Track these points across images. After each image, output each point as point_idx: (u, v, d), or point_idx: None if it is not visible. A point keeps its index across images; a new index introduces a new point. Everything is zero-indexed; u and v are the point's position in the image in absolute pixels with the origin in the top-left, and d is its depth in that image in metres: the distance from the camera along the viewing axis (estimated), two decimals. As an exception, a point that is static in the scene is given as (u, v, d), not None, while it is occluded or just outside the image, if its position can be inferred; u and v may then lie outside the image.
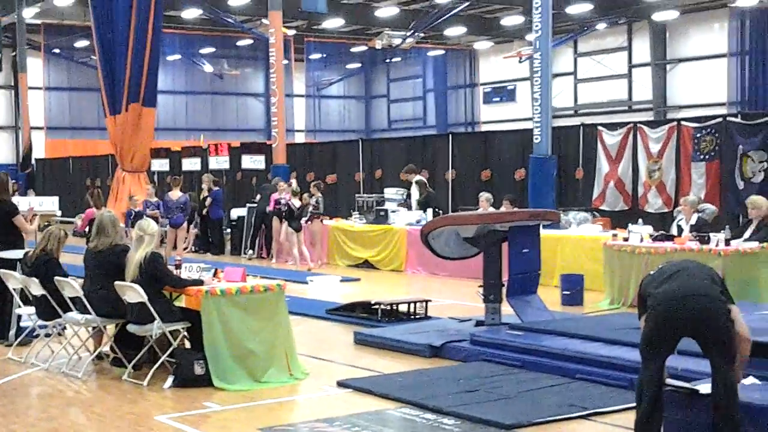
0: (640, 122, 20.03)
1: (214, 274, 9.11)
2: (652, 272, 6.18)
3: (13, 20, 34.16)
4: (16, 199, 28.58)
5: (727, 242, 12.10)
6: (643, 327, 6.01)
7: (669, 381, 5.98)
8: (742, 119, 18.19)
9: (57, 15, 35.11)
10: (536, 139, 18.25)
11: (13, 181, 17.59)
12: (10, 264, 10.62)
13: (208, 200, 21.77)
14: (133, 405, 8.00)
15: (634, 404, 7.54)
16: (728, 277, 11.74)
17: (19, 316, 10.68)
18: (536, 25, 18.06)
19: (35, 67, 38.32)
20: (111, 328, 9.43)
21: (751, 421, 6.10)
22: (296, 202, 18.68)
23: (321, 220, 19.14)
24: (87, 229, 14.96)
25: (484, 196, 16.90)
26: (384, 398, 8.03)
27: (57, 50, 39.91)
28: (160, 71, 26.21)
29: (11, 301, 10.60)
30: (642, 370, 6.06)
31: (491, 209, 16.47)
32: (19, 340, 10.51)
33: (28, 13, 33.98)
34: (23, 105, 35.84)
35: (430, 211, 18.22)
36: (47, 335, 9.95)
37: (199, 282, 8.76)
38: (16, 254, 10.67)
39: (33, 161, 36.08)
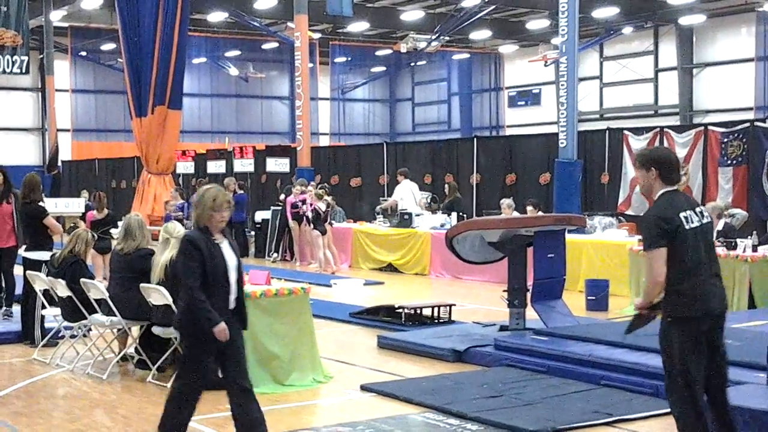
0: (667, 127, 19.90)
1: (239, 277, 9.12)
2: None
3: (40, 23, 34.40)
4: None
5: (755, 248, 11.99)
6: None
7: None
8: (769, 124, 18.04)
9: (84, 18, 35.37)
10: (562, 143, 18.19)
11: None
12: (37, 265, 10.68)
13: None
14: (157, 407, 8.00)
15: (659, 411, 7.52)
16: (755, 283, 11.72)
17: (43, 317, 10.73)
18: (562, 29, 18.01)
19: (62, 70, 38.57)
20: (136, 330, 9.47)
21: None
22: (321, 205, 18.69)
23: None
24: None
25: (506, 203, 16.82)
26: (407, 403, 8.01)
27: (84, 53, 40.16)
28: (186, 74, 26.32)
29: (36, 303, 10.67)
30: None
31: (515, 214, 16.42)
32: (45, 341, 10.56)
33: (56, 16, 34.23)
34: (50, 107, 36.09)
35: (454, 215, 18.20)
36: (72, 336, 10.01)
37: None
38: (43, 256, 10.73)
39: (59, 163, 36.31)
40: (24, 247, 11.13)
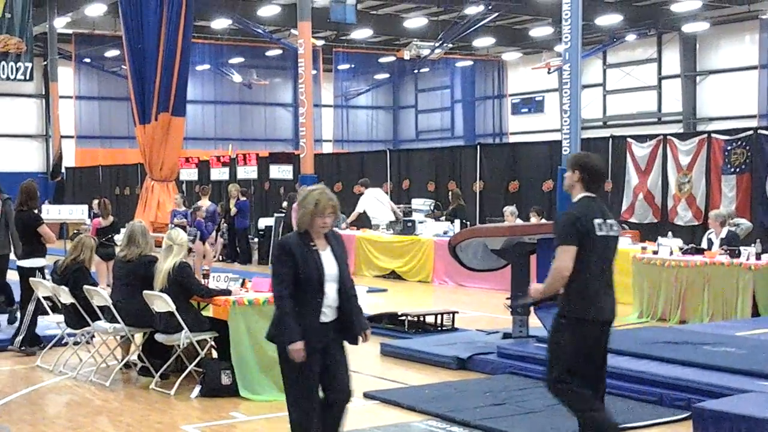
0: (670, 134, 19.90)
1: (242, 284, 9.13)
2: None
3: (44, 30, 34.44)
4: (47, 207, 28.81)
5: (758, 256, 11.98)
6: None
7: None
8: (773, 132, 18.03)
9: (88, 25, 35.42)
10: (565, 150, 18.17)
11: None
12: (31, 272, 10.66)
13: (233, 210, 21.83)
14: (160, 414, 8.02)
15: (663, 420, 7.51)
16: (759, 291, 11.70)
17: (33, 325, 10.73)
18: (566, 36, 18.01)
19: (66, 77, 38.61)
20: (139, 337, 9.48)
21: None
22: None
23: None
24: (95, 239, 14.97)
25: (509, 210, 16.82)
26: (410, 410, 8.00)
27: (88, 60, 40.21)
28: (190, 81, 26.38)
29: (35, 308, 10.67)
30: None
31: (518, 221, 16.41)
32: (38, 348, 10.59)
33: (60, 23, 34.28)
34: (54, 114, 36.11)
35: (457, 222, 18.19)
36: (75, 344, 10.01)
37: (227, 292, 8.77)
38: (37, 263, 10.73)
39: (63, 170, 36.34)
40: (19, 254, 11.11)
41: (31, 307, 10.60)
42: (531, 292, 6.30)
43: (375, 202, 20.05)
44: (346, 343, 5.88)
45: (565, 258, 5.88)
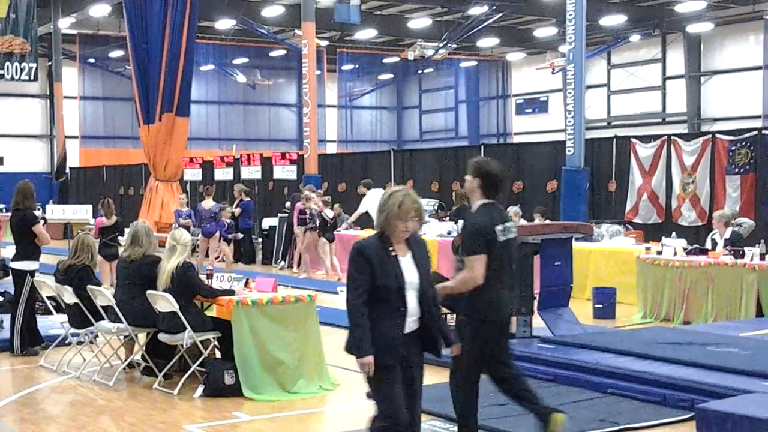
0: (674, 135, 19.88)
1: (246, 285, 9.14)
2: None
3: (49, 30, 34.52)
4: (51, 207, 28.84)
5: (762, 256, 11.94)
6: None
7: None
8: (777, 132, 18.01)
9: (92, 25, 35.49)
10: (569, 150, 18.17)
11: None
12: (22, 275, 10.63)
13: (237, 210, 21.83)
14: (163, 414, 8.03)
15: (667, 420, 7.50)
16: (763, 291, 11.68)
17: (30, 326, 10.73)
18: (570, 37, 18.00)
19: (70, 77, 38.65)
20: (142, 337, 9.48)
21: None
22: (329, 213, 18.70)
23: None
24: (99, 239, 14.95)
25: (513, 210, 16.78)
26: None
27: (92, 60, 40.26)
28: (194, 81, 26.37)
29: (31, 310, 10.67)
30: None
31: (522, 221, 16.40)
32: (40, 347, 10.62)
33: (64, 24, 34.34)
34: (58, 114, 36.18)
35: (461, 222, 18.15)
36: (79, 343, 10.01)
37: (230, 292, 8.78)
38: (30, 266, 10.66)
39: (67, 170, 36.40)
40: (11, 256, 11.05)
41: (21, 309, 10.57)
42: (440, 289, 6.34)
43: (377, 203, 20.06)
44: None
45: (477, 267, 6.21)
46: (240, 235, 19.62)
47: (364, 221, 20.68)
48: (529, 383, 6.61)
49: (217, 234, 19.27)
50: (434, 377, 9.34)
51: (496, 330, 6.37)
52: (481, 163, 6.60)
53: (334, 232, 18.96)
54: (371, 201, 20.09)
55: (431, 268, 5.52)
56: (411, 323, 5.32)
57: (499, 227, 6.32)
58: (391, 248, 5.28)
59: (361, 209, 20.33)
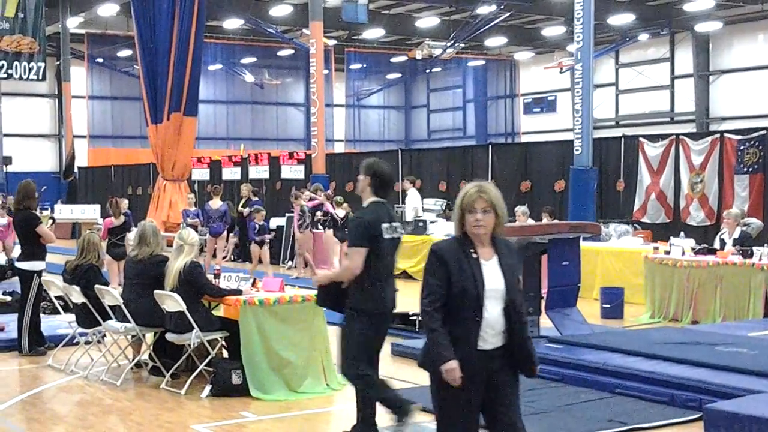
0: (683, 134, 19.84)
1: (253, 284, 9.14)
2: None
3: (57, 30, 34.58)
4: (59, 207, 28.82)
5: (771, 256, 11.91)
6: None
7: None
8: (786, 131, 17.96)
9: (100, 25, 35.55)
10: (577, 150, 18.13)
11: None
12: (29, 275, 10.63)
13: (246, 210, 21.80)
14: (170, 413, 8.03)
15: (675, 420, 7.48)
16: (772, 291, 11.63)
17: (38, 326, 10.75)
18: (578, 36, 17.97)
19: (79, 76, 38.73)
20: (150, 337, 9.49)
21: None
22: (340, 213, 18.70)
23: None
24: (107, 239, 14.98)
25: (521, 210, 16.77)
26: (421, 411, 7.97)
27: (100, 59, 40.33)
28: (202, 81, 26.39)
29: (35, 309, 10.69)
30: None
31: (530, 221, 16.38)
32: (45, 348, 10.64)
33: (72, 23, 34.40)
34: (66, 114, 36.24)
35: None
36: (87, 343, 10.03)
37: (238, 292, 8.78)
38: (36, 266, 10.66)
39: (76, 169, 36.46)
40: (17, 256, 11.05)
41: (28, 309, 10.58)
42: (318, 277, 6.94)
43: (420, 200, 20.06)
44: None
45: (357, 258, 6.57)
46: (268, 237, 18.82)
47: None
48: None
49: (225, 233, 19.27)
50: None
51: (382, 322, 6.74)
52: (373, 164, 6.86)
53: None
54: (416, 197, 19.94)
55: (520, 275, 4.94)
56: (493, 337, 4.67)
57: (385, 225, 6.68)
58: (471, 250, 4.71)
59: (413, 203, 20.12)
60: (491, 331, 4.65)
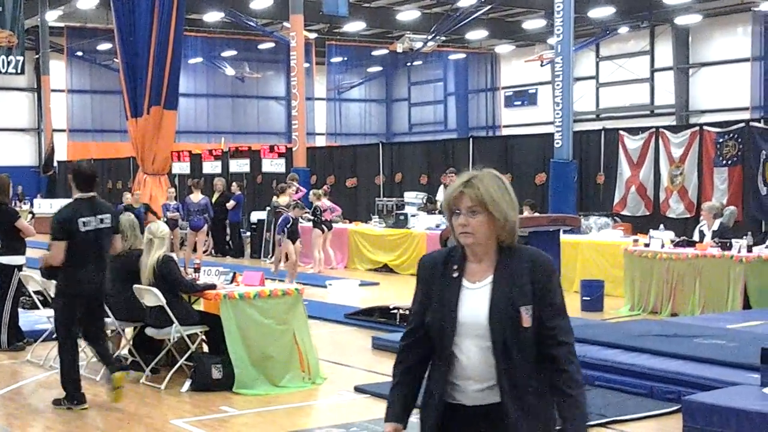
0: (662, 127, 19.93)
1: (233, 278, 9.11)
2: None
3: (36, 23, 34.38)
4: (39, 201, 28.62)
5: (749, 248, 11.98)
6: None
7: None
8: (765, 124, 18.08)
9: (80, 18, 35.34)
10: (557, 143, 18.18)
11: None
12: (8, 270, 10.56)
13: (231, 203, 21.75)
14: (150, 408, 8.01)
15: (654, 412, 7.52)
16: (750, 283, 11.71)
17: (16, 321, 10.69)
18: (558, 29, 18.00)
19: (58, 70, 38.53)
20: (129, 332, 9.45)
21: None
22: (326, 203, 18.77)
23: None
24: None
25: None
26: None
27: (80, 53, 40.12)
28: (182, 74, 26.23)
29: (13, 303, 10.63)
30: None
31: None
32: (24, 342, 10.61)
33: (51, 16, 34.20)
34: (46, 107, 36.05)
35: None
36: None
37: (212, 286, 8.74)
38: (16, 260, 10.58)
39: (55, 163, 36.27)
40: None
41: (8, 304, 10.52)
42: (42, 258, 8.13)
43: None
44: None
45: (56, 251, 7.75)
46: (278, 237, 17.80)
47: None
48: (109, 347, 8.43)
49: (205, 227, 19.22)
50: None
51: (80, 302, 7.87)
52: (73, 165, 8.15)
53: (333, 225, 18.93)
54: None
55: (526, 300, 3.37)
56: (478, 390, 3.38)
57: (83, 219, 7.72)
58: (455, 266, 3.47)
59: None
60: (473, 381, 3.38)
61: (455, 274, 3.45)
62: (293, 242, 16.21)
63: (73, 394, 7.97)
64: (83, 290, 7.86)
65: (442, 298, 3.43)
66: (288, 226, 16.11)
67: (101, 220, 7.82)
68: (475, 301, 3.38)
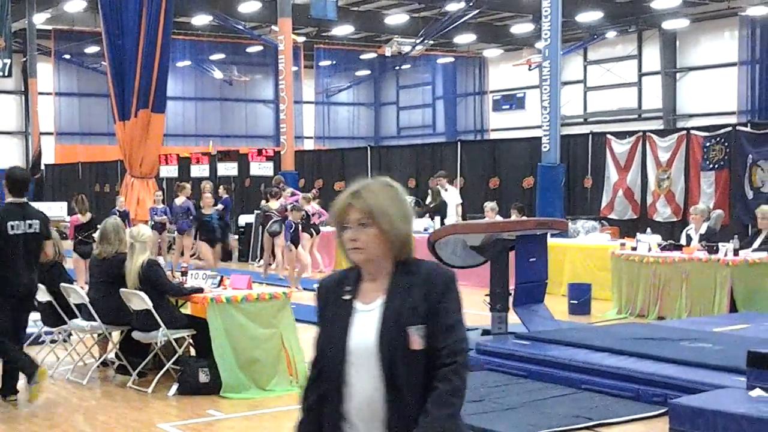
0: (650, 131, 19.99)
1: (220, 282, 9.09)
2: None
3: (23, 26, 34.24)
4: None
5: (736, 252, 12.04)
6: None
7: None
8: (751, 128, 18.14)
9: (67, 21, 35.22)
10: (545, 147, 18.20)
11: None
12: None
13: (219, 206, 21.69)
14: (137, 412, 7.99)
15: (641, 415, 7.54)
16: (736, 287, 11.76)
17: None
18: (545, 33, 18.03)
19: (45, 73, 38.41)
20: (116, 335, 9.42)
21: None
22: (309, 209, 18.71)
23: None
24: (74, 236, 14.84)
25: (489, 206, 16.83)
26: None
27: (67, 56, 40.00)
28: (170, 77, 26.22)
29: None
30: None
31: (498, 218, 16.43)
32: None
33: (39, 19, 34.07)
34: (33, 110, 35.90)
35: (438, 219, 18.18)
36: (53, 342, 9.95)
37: (198, 290, 8.72)
38: None
39: (42, 166, 36.14)
40: None
41: None
42: None
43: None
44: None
45: None
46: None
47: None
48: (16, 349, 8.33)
49: (192, 231, 19.14)
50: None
51: (15, 300, 8.06)
52: (7, 170, 8.33)
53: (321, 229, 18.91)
54: (453, 196, 19.62)
55: (435, 329, 3.03)
56: (370, 427, 3.07)
57: (11, 222, 7.99)
58: (348, 288, 3.15)
59: (456, 200, 19.70)
60: (360, 417, 3.07)
61: (347, 297, 3.12)
62: (296, 246, 16.31)
63: (29, 370, 8.16)
64: (13, 291, 8.05)
65: (333, 323, 3.11)
66: (292, 230, 16.21)
67: (30, 225, 8.11)
68: (365, 324, 3.06)
